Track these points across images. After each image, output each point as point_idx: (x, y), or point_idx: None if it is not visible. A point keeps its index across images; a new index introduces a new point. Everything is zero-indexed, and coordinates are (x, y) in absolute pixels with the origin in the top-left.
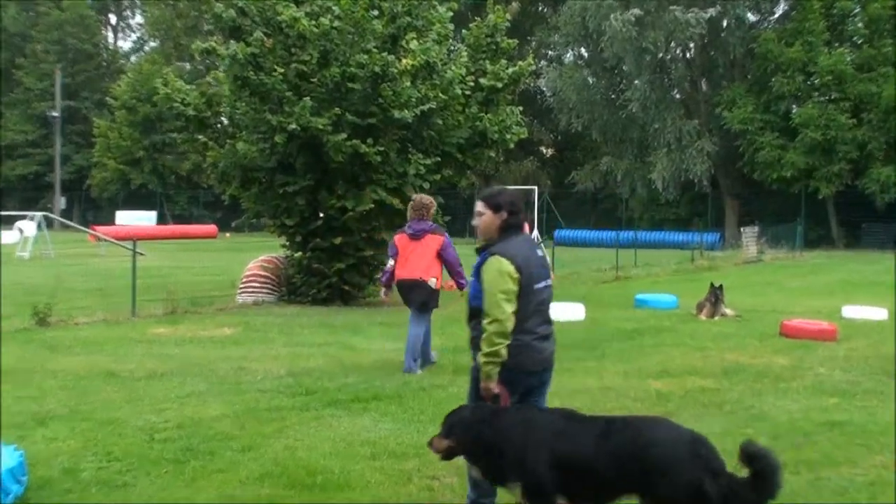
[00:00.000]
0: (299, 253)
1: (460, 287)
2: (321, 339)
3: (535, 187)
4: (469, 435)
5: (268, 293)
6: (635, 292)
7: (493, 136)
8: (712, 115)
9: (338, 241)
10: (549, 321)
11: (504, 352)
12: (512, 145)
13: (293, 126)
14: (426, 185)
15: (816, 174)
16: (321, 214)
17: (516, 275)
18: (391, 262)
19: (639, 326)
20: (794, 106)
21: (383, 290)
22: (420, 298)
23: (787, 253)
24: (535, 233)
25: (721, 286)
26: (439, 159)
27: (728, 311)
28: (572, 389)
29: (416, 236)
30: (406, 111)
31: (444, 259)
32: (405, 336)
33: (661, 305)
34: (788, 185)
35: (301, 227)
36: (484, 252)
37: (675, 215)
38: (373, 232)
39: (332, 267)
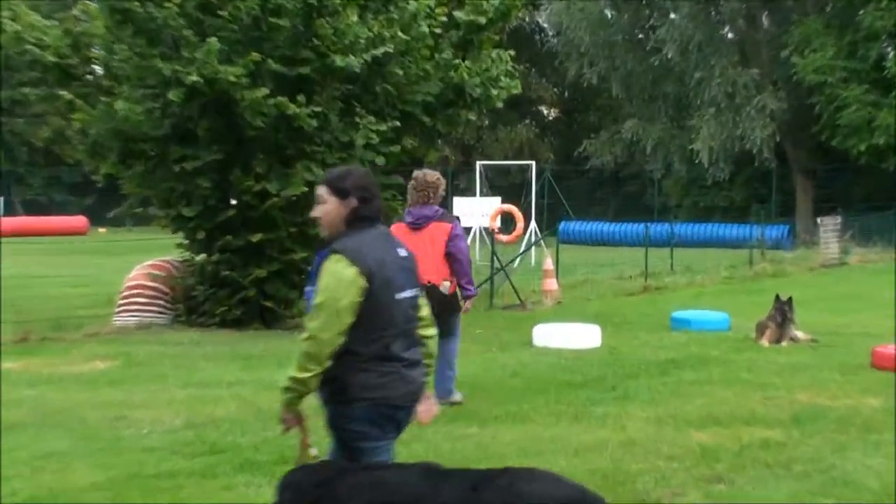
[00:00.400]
0: (202, 255)
1: (464, 296)
2: (233, 377)
3: (533, 162)
4: (303, 502)
5: (158, 312)
6: (671, 308)
7: (472, 91)
8: (778, 62)
9: (256, 238)
10: (417, 342)
11: (314, 383)
12: (500, 104)
13: (194, 78)
14: (380, 161)
15: None
16: (233, 201)
17: (362, 281)
18: None
19: (676, 356)
20: (889, 49)
21: None
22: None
23: (881, 252)
24: (533, 225)
25: (790, 300)
26: (399, 124)
27: (800, 335)
28: (582, 444)
29: (416, 225)
30: (352, 57)
31: (450, 253)
32: None
33: (708, 326)
34: (882, 157)
35: (205, 220)
36: (322, 250)
37: (727, 201)
38: (305, 226)
39: (247, 275)
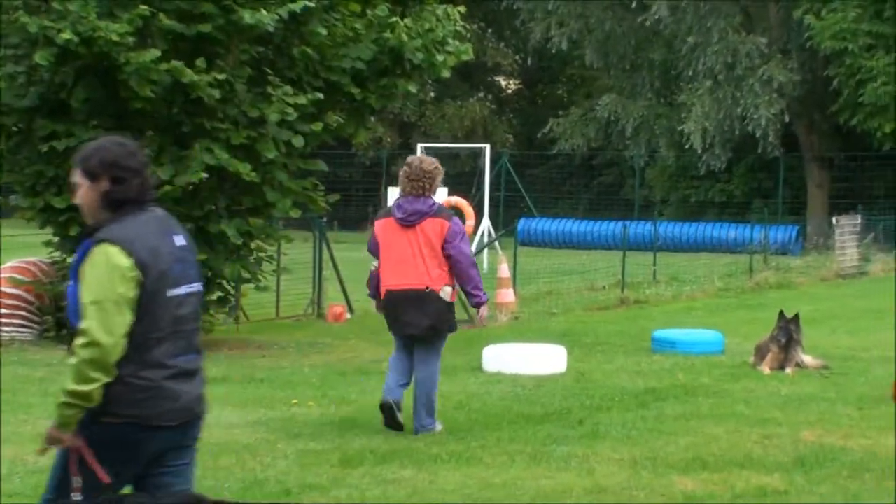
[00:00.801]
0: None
1: (474, 304)
2: None
3: (487, 145)
4: None
5: (21, 326)
6: (653, 326)
7: (413, 57)
8: (788, 25)
9: None
10: (195, 349)
11: (98, 395)
12: (447, 73)
13: (67, 36)
14: (297, 141)
15: None
16: None
17: (135, 273)
18: (375, 263)
19: (658, 385)
20: None
21: (376, 304)
22: (425, 321)
23: None
24: (486, 223)
25: (797, 317)
26: (321, 96)
27: (808, 360)
28: (540, 491)
29: (407, 222)
30: (264, 12)
31: (450, 256)
32: (257, 399)
33: (697, 349)
34: None
35: (80, 213)
36: (86, 240)
37: (724, 196)
38: (206, 221)
39: None
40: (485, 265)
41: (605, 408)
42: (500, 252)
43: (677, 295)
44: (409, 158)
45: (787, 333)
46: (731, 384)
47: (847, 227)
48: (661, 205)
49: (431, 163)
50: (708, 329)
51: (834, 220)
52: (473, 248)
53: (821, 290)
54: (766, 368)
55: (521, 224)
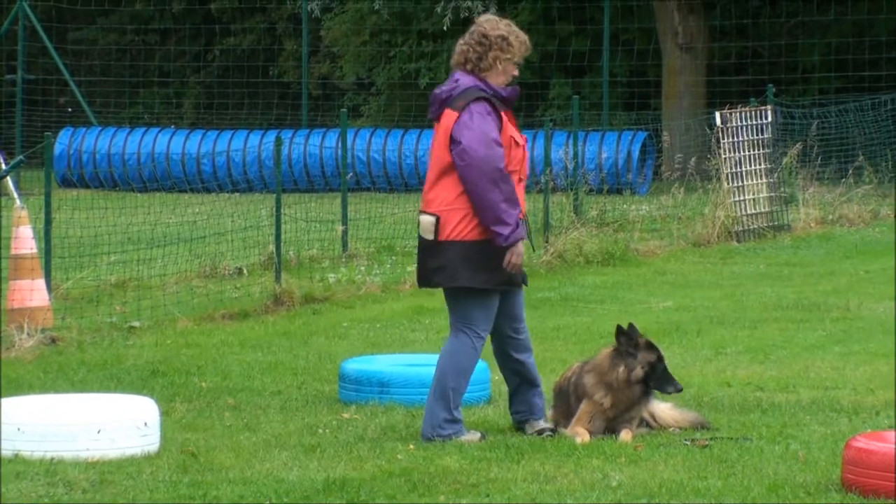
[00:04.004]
0: None
1: (499, 245)
2: None
3: None
4: None
5: None
6: (343, 351)
7: None
8: None
9: None
10: None
11: None
12: None
13: None
14: None
15: None
16: None
17: None
18: None
19: (351, 475)
20: None
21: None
22: (433, 263)
23: (872, 195)
24: None
25: (657, 351)
26: None
27: (666, 413)
28: None
29: (432, 115)
30: None
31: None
32: None
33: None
34: None
35: None
36: None
37: None
38: None
39: None
40: None
41: None
42: (18, 200)
43: (391, 283)
44: (479, 19)
45: (628, 362)
46: (505, 467)
47: (744, 131)
48: None
49: (495, 28)
50: None
51: (717, 116)
52: None
53: (692, 265)
54: (580, 433)
55: (62, 141)
